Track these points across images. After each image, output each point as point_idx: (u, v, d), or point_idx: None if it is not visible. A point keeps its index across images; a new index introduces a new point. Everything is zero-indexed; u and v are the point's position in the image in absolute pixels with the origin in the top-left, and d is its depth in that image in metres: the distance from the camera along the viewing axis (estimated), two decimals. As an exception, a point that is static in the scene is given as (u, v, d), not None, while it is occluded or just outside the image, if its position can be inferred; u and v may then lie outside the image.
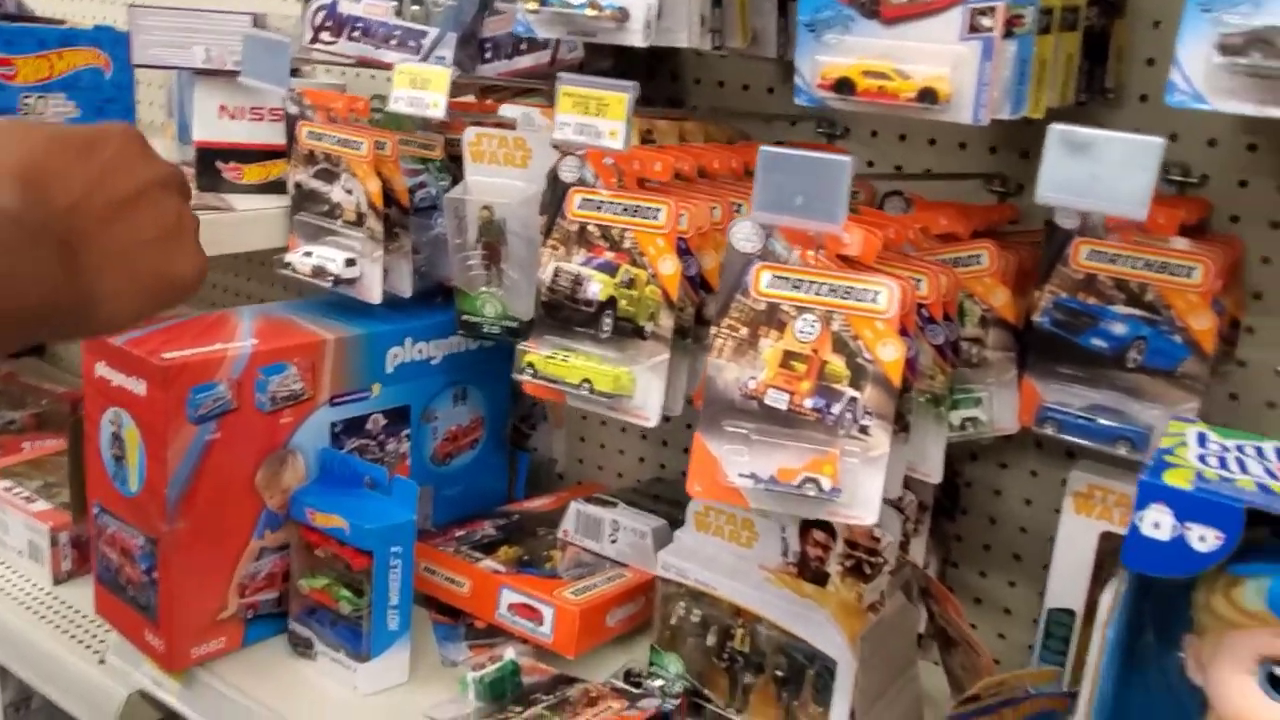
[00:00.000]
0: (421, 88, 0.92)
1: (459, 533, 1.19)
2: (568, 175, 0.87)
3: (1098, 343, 0.86)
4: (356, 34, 1.06)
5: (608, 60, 1.15)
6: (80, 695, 1.18)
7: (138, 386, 0.99)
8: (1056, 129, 0.67)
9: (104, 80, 1.44)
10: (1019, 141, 1.03)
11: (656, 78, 1.24)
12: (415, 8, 1.04)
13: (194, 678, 1.06)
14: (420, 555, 1.15)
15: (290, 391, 1.06)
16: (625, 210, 0.85)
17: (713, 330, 0.77)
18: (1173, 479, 0.52)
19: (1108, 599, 0.54)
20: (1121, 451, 0.83)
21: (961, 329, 0.92)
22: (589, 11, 0.78)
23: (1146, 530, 0.52)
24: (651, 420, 0.85)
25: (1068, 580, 0.92)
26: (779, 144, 0.75)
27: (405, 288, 1.10)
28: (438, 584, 1.14)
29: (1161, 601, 0.61)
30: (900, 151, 1.10)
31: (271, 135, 1.20)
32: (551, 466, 1.45)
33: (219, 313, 1.12)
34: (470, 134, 1.04)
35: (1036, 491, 1.09)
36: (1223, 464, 0.55)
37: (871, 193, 1.07)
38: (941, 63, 0.70)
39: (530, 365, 0.87)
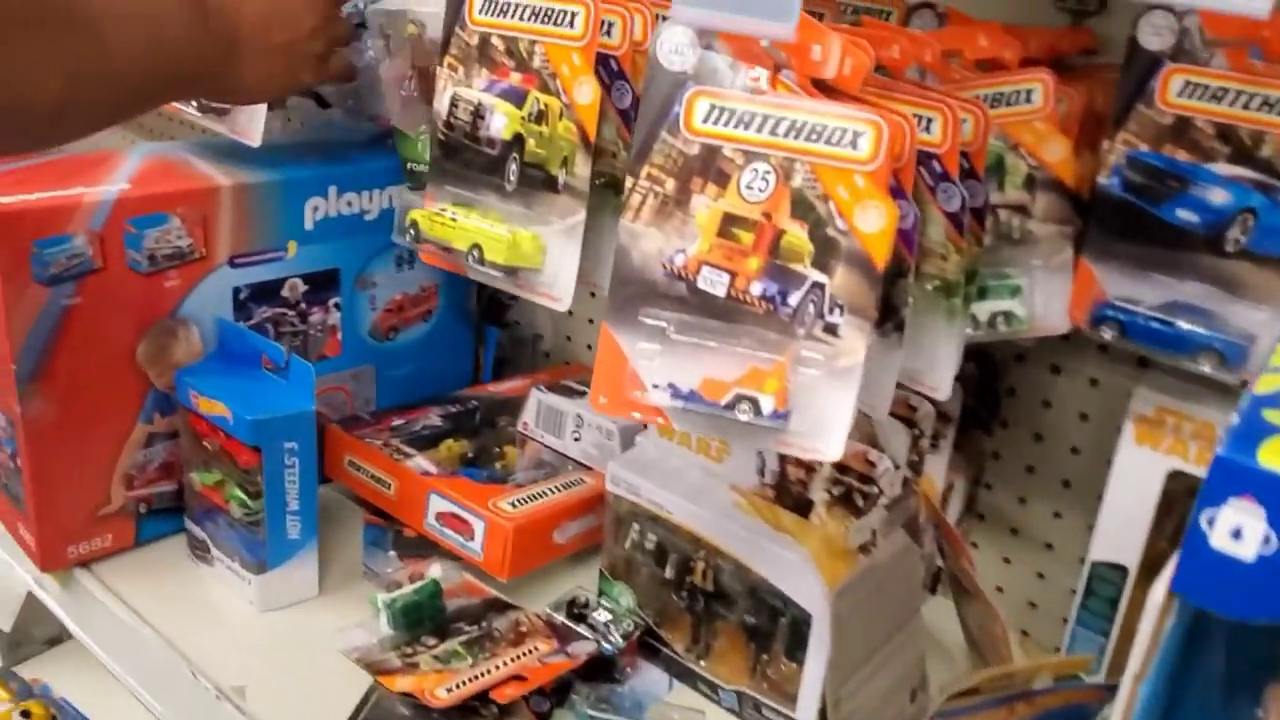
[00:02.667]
0: None
1: (397, 421, 1.01)
2: (467, -32, 0.65)
3: (1186, 215, 0.62)
4: None
5: None
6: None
7: (-22, 237, 0.81)
8: None
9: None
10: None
11: None
12: None
13: (73, 579, 0.91)
14: (345, 448, 0.98)
15: (175, 248, 0.87)
16: (534, 14, 0.62)
17: (628, 182, 0.55)
18: (1272, 458, 0.30)
19: (1144, 638, 0.32)
20: (1206, 368, 0.60)
21: (1000, 193, 0.68)
22: None
23: (1219, 541, 0.30)
24: (562, 303, 0.64)
25: (1120, 527, 0.71)
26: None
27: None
28: (364, 483, 0.96)
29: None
30: (949, -43, 0.84)
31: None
32: (536, 344, 1.26)
33: (103, 150, 0.93)
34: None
35: (1096, 406, 0.86)
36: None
37: (904, 10, 0.81)
38: None
39: (414, 225, 0.66)
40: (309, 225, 0.95)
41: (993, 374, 0.89)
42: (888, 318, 0.58)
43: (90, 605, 0.90)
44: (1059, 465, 0.89)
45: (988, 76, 0.67)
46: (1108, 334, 0.64)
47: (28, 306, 0.81)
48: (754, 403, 0.52)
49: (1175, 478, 0.68)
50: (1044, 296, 0.69)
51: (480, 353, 1.15)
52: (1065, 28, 0.78)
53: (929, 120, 0.58)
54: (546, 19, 0.62)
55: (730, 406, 0.52)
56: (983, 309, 0.68)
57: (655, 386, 0.54)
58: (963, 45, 0.66)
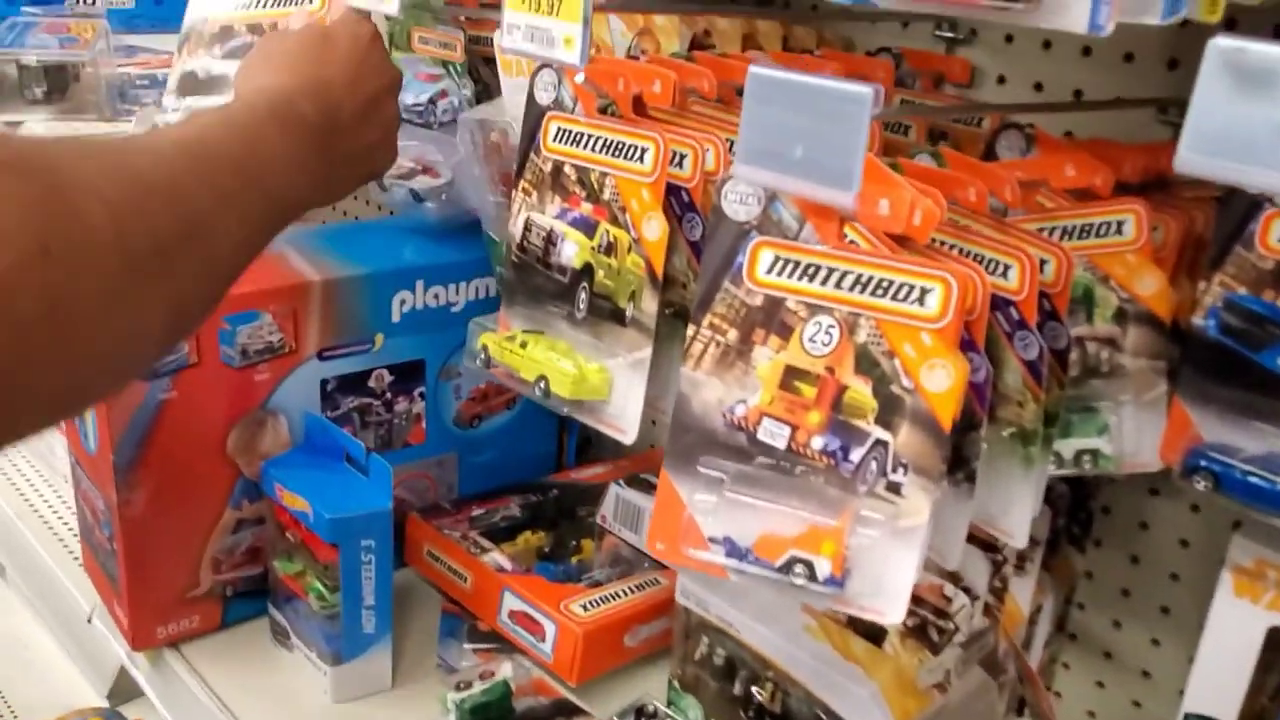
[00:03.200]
0: (376, -26, 0.71)
1: (477, 511, 1.02)
2: (543, 95, 0.65)
3: (1289, 364, 0.58)
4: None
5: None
6: (81, 647, 1.10)
7: (83, 333, 0.85)
8: (1218, 46, 0.40)
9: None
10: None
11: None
12: None
13: (161, 658, 0.93)
14: (425, 538, 0.99)
15: (266, 343, 0.90)
16: (605, 147, 0.62)
17: (690, 329, 0.55)
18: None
19: None
20: (1308, 531, 0.56)
21: (1088, 325, 0.65)
22: None
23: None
24: (628, 435, 0.63)
25: (1217, 681, 0.66)
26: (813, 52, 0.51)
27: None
28: (442, 574, 0.97)
29: None
30: (1044, 64, 0.82)
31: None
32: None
33: (205, 244, 0.96)
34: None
35: (1197, 532, 0.82)
36: None
37: (998, 119, 0.79)
38: (1036, -66, 0.43)
39: (484, 349, 0.67)
40: (396, 318, 0.97)
41: (1086, 491, 0.85)
42: (959, 467, 0.56)
43: (175, 686, 0.92)
44: (1157, 591, 0.85)
45: (1076, 207, 0.64)
46: (1200, 485, 0.60)
47: (127, 401, 0.85)
48: (809, 566, 0.50)
49: (1277, 634, 0.63)
50: (1134, 433, 0.66)
51: (564, 436, 1.15)
52: (1167, 142, 0.75)
53: (1006, 266, 0.56)
54: (617, 152, 0.62)
55: (785, 569, 0.51)
56: (1067, 446, 0.65)
57: (712, 540, 0.53)
58: (1049, 174, 0.64)
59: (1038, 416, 0.58)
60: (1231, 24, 0.70)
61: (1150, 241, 0.64)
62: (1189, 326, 0.62)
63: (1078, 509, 0.86)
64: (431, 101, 0.97)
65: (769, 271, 0.52)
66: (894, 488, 0.51)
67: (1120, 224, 0.64)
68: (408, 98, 0.97)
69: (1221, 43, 0.40)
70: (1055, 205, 0.65)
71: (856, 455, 0.52)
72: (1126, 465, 0.66)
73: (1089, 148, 0.69)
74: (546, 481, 1.09)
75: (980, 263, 0.56)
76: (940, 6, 0.44)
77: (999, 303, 0.56)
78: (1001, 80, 0.84)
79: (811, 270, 0.52)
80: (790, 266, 0.52)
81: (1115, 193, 0.66)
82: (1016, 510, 0.60)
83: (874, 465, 0.51)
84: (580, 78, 0.62)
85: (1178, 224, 0.66)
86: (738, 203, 0.52)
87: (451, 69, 0.94)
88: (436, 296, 0.98)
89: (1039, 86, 0.82)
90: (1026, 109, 0.75)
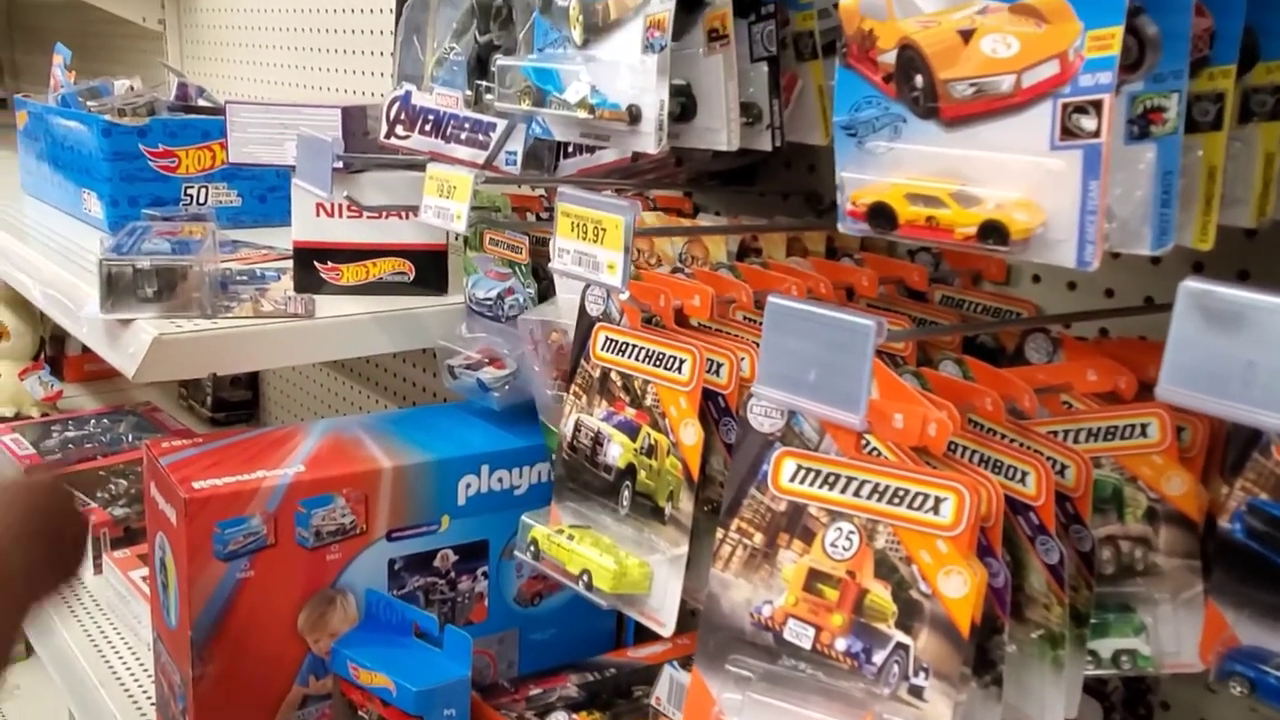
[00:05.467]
0: (447, 196, 0.79)
1: (534, 690, 1.04)
2: (593, 307, 0.71)
3: (1317, 569, 0.59)
4: (428, 127, 0.95)
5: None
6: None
7: (171, 514, 0.91)
8: (1188, 289, 0.43)
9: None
10: (1235, 256, 0.76)
11: (793, 168, 1.05)
12: (489, 96, 0.91)
13: (226, 835, 0.96)
14: (483, 718, 1.01)
15: (338, 525, 0.95)
16: (647, 357, 0.67)
17: (719, 533, 0.58)
18: None
19: None
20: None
21: (1120, 524, 0.67)
22: (580, 113, 0.62)
23: None
24: (667, 628, 0.66)
25: None
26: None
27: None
28: (497, 754, 0.99)
29: None
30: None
31: (370, 234, 1.12)
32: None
33: (288, 428, 1.03)
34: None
35: (1259, 731, 0.80)
36: None
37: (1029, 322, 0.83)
38: (1020, 182, 0.48)
39: (534, 542, 0.71)
40: (461, 501, 1.01)
41: (1145, 684, 0.84)
42: (986, 670, 0.57)
43: None
44: (1222, 793, 0.82)
45: (1101, 410, 0.66)
46: (1236, 690, 0.60)
47: (207, 580, 0.90)
48: (833, 770, 0.52)
49: None
50: (1173, 633, 0.66)
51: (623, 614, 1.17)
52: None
53: (1024, 474, 0.58)
54: (658, 363, 0.66)
55: (809, 772, 0.52)
56: (1105, 646, 0.66)
57: (739, 739, 0.55)
58: (1072, 379, 0.67)
59: (1064, 619, 0.59)
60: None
61: (1176, 443, 0.66)
62: (1216, 529, 0.63)
63: (1136, 703, 0.84)
64: (500, 297, 1.04)
65: (792, 479, 0.56)
66: (916, 691, 0.53)
67: (1144, 426, 0.66)
68: (479, 293, 1.05)
69: (1191, 285, 0.43)
70: (1085, 408, 0.68)
71: (879, 658, 0.54)
72: (1167, 665, 0.66)
73: (1116, 349, 0.71)
74: (603, 660, 1.10)
75: (999, 470, 0.58)
76: (941, 244, 0.49)
77: (1020, 507, 0.59)
78: (1036, 279, 0.88)
79: (831, 479, 0.55)
80: (812, 475, 0.55)
81: (1142, 393, 0.69)
82: (1050, 714, 0.61)
83: (896, 668, 0.53)
84: (625, 295, 0.68)
85: (1204, 423, 0.67)
86: (762, 415, 0.56)
87: (517, 269, 1.01)
88: (500, 480, 1.03)
89: (1072, 285, 0.86)
90: (1048, 320, 0.78)
